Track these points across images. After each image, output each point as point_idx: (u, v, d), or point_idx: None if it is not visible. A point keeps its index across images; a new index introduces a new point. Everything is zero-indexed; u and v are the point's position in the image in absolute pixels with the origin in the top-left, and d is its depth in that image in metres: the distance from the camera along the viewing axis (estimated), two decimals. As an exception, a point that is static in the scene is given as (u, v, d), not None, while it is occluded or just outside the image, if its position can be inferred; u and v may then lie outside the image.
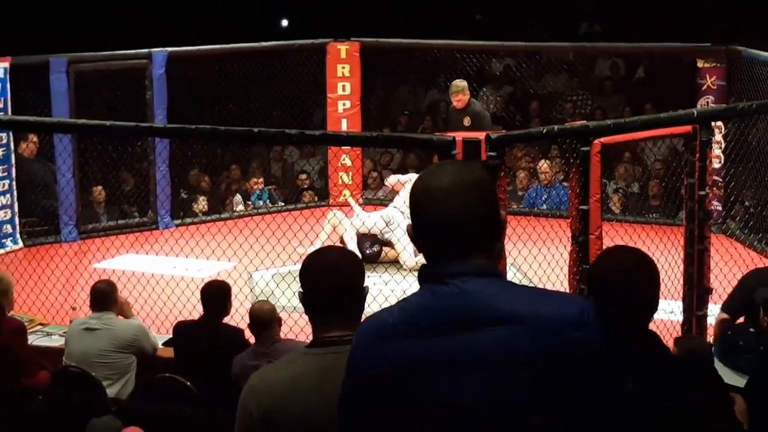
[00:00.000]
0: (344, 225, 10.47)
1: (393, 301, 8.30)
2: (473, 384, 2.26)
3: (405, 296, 2.47)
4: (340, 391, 2.48)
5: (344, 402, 2.46)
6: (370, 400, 2.38)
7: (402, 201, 10.50)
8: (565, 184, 11.66)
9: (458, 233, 2.34)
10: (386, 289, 8.65)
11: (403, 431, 2.34)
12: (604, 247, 6.52)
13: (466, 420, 2.28)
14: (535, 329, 2.24)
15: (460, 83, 11.59)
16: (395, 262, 10.11)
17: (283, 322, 6.57)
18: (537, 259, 8.22)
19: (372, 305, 8.31)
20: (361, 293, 2.98)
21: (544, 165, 12.52)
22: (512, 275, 8.59)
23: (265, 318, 6.33)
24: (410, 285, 8.81)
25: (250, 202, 12.85)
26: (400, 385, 2.32)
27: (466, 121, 11.34)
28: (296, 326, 7.24)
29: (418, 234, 2.41)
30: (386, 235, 10.36)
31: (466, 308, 2.29)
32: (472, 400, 2.26)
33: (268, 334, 6.29)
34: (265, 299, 6.93)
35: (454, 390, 2.27)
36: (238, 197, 12.94)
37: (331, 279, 2.91)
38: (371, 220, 10.51)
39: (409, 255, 10.06)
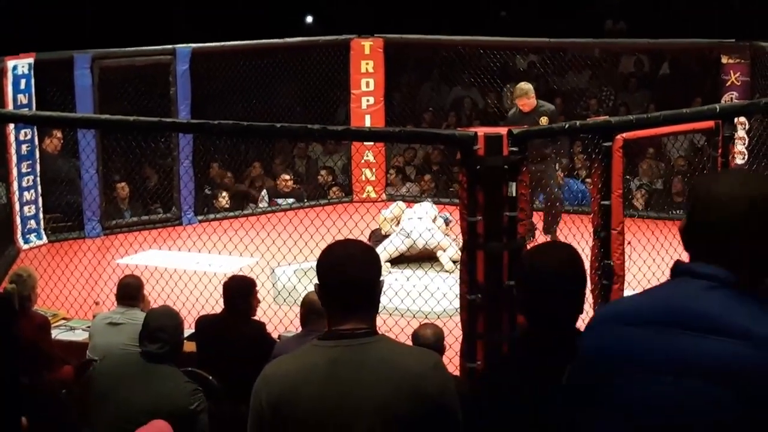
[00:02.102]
0: (406, 215, 10.42)
1: (415, 297, 8.19)
2: (678, 388, 2.18)
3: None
4: (352, 383, 2.43)
5: (567, 382, 2.45)
6: (582, 385, 2.37)
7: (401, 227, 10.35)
8: (588, 181, 11.63)
9: (722, 236, 2.26)
10: (408, 285, 8.65)
11: (598, 421, 2.31)
12: (626, 242, 6.51)
13: (660, 425, 2.21)
14: (757, 347, 2.13)
15: (525, 85, 10.93)
16: (419, 259, 10.09)
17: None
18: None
19: (393, 300, 8.35)
20: (377, 287, 2.97)
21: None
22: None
23: (318, 307, 6.27)
24: (431, 280, 8.79)
25: (277, 202, 12.80)
26: (606, 374, 2.29)
27: (543, 123, 10.54)
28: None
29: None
30: (430, 242, 10.00)
31: (690, 311, 2.22)
32: (674, 405, 2.19)
33: (321, 323, 6.24)
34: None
35: (656, 390, 2.21)
36: (264, 193, 12.95)
37: (347, 271, 2.91)
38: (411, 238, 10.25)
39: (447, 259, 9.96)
